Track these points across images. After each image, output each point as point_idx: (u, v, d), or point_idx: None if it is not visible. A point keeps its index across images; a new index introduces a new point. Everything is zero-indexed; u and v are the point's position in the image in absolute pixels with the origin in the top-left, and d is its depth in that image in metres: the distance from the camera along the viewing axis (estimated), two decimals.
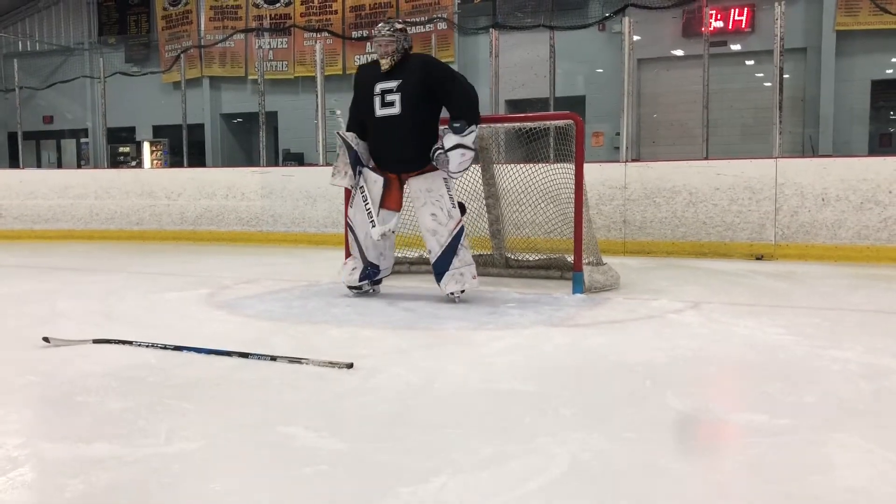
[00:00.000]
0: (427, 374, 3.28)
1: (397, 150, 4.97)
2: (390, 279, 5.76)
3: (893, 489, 2.04)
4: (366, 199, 5.04)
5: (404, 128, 4.89)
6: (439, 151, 4.78)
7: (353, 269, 5.27)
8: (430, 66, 4.96)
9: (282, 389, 3.05)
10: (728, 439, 2.58)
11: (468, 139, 4.71)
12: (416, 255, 6.41)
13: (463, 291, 5.00)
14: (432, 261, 5.02)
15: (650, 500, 2.00)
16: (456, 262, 4.93)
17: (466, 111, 4.78)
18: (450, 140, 4.73)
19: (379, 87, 4.92)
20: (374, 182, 5.07)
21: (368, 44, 15.28)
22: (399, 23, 5.02)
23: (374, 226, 4.99)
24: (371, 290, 5.37)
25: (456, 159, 4.72)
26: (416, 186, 5.01)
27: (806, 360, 3.50)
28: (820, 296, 5.43)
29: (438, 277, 5.01)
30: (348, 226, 5.28)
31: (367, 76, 5.04)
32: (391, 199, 5.08)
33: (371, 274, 5.24)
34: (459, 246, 4.94)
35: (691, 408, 2.81)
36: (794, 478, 2.13)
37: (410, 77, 4.86)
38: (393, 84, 4.88)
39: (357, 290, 5.33)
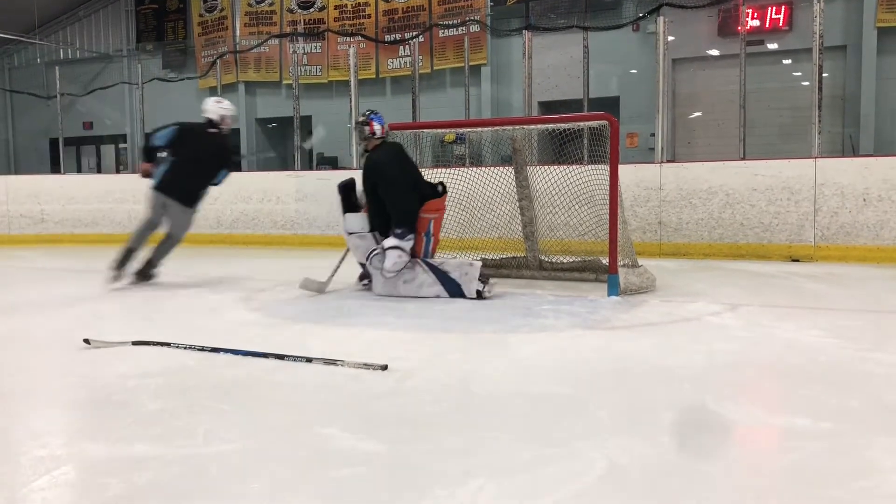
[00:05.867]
0: (462, 376, 3.27)
1: None
2: None
3: None
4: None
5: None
6: (376, 252, 5.33)
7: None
8: (375, 172, 5.44)
9: (318, 391, 3.07)
10: (769, 443, 2.54)
11: (406, 244, 5.22)
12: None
13: (486, 283, 5.22)
14: (447, 295, 5.27)
15: None
16: (454, 274, 5.27)
17: (403, 220, 5.26)
18: (389, 241, 5.24)
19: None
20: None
21: (401, 47, 15.35)
22: (362, 115, 5.63)
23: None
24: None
25: (392, 258, 5.22)
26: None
27: (849, 363, 3.43)
28: (862, 298, 5.32)
29: (461, 295, 5.24)
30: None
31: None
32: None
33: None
34: (437, 266, 5.33)
35: (731, 411, 2.77)
36: (838, 483, 2.09)
37: (367, 175, 5.52)
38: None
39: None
